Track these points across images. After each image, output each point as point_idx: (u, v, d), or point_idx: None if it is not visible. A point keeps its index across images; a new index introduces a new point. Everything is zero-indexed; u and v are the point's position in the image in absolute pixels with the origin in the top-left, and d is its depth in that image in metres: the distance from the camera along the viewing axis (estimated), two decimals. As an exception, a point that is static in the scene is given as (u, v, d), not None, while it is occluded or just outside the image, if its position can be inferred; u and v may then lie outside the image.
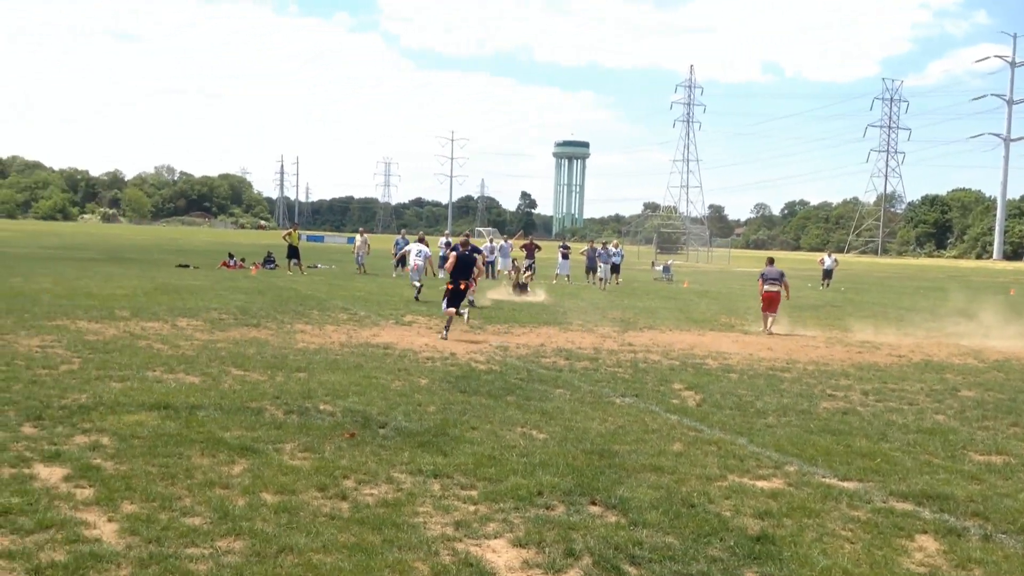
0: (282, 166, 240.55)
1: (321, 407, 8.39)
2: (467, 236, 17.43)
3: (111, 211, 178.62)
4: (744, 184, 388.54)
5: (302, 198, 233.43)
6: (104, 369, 9.72)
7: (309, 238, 31.23)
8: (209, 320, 14.93)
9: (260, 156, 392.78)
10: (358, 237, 34.73)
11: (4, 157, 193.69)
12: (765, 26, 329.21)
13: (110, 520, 4.99)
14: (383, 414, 8.24)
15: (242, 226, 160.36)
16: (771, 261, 18.81)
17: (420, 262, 22.80)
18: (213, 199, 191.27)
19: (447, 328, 14.48)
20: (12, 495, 5.26)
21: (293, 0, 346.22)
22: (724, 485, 6.44)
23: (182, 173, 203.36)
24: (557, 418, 8.46)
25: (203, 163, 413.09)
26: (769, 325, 17.48)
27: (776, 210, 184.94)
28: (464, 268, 14.98)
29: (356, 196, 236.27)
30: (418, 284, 21.58)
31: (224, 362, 10.70)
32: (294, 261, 30.18)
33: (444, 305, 14.83)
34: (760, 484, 6.54)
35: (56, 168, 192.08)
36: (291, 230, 31.71)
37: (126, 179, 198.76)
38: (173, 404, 8.05)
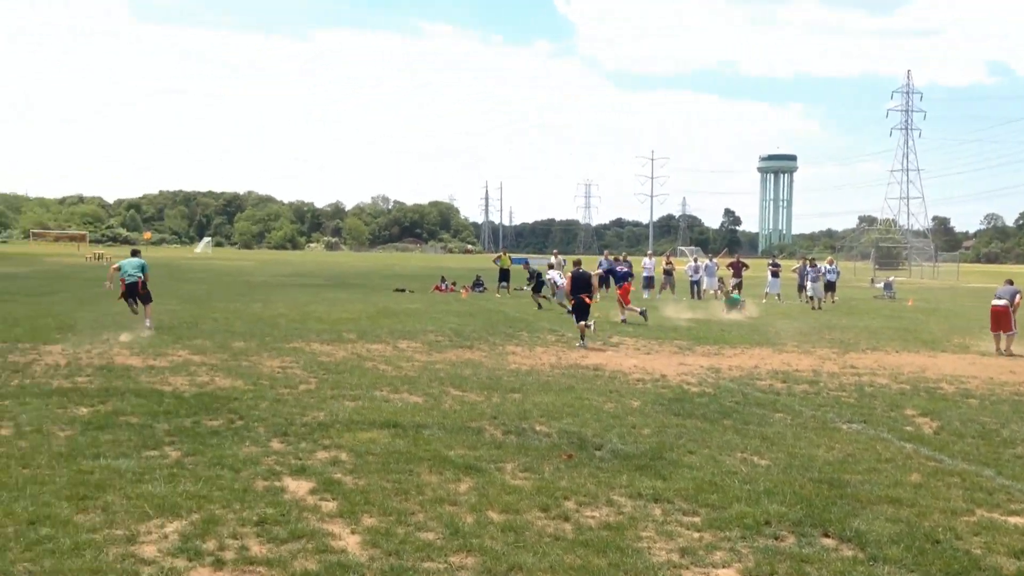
0: (487, 192, 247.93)
1: (537, 428, 8.55)
2: (579, 260, 19.23)
3: (334, 239, 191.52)
4: (971, 194, 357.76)
5: (506, 222, 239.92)
6: (337, 389, 10.41)
7: (514, 260, 32.30)
8: (427, 342, 15.63)
9: (466, 182, 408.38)
10: (552, 259, 35.29)
11: (241, 192, 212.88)
12: (989, 24, 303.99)
13: (353, 532, 5.33)
14: (598, 436, 8.28)
15: (450, 251, 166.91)
16: (1010, 282, 17.24)
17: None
18: (423, 225, 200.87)
19: (582, 338, 16.10)
20: (267, 506, 5.74)
21: (497, 30, 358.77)
22: (972, 520, 5.95)
23: (395, 202, 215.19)
24: (779, 444, 8.14)
25: (414, 192, 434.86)
26: (1006, 345, 16.00)
27: (1010, 220, 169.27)
28: (582, 285, 16.87)
29: (557, 219, 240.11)
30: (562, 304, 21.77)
31: (443, 383, 11.16)
32: (503, 284, 31.10)
33: (575, 319, 16.63)
34: (1013, 520, 5.98)
35: (286, 201, 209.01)
36: (500, 254, 32.86)
37: (346, 209, 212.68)
38: (401, 423, 8.49)
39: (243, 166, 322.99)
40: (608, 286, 29.52)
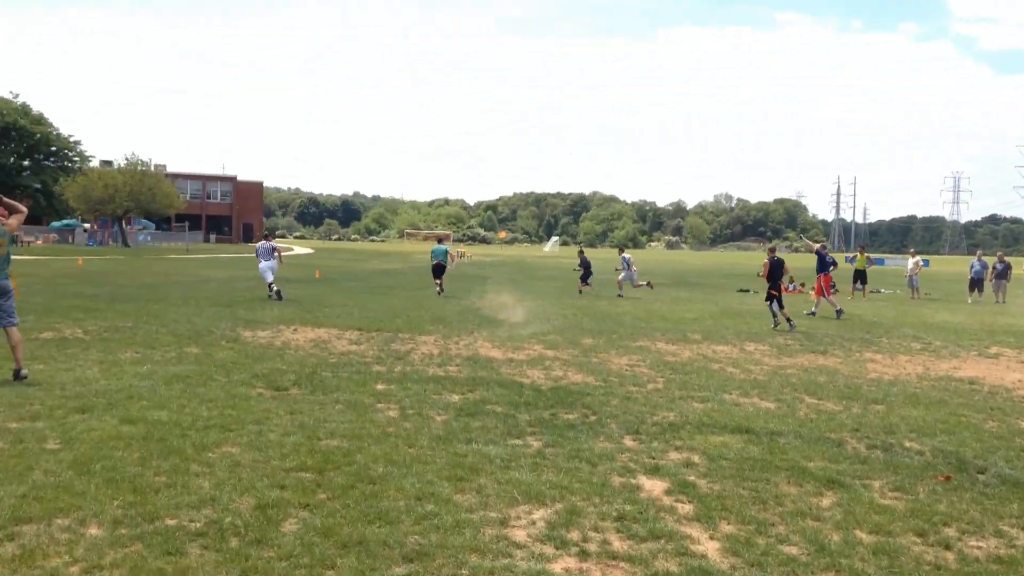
0: (838, 187, 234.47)
1: (906, 444, 7.86)
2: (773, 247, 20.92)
3: (674, 238, 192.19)
4: None
5: (859, 219, 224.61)
6: (685, 389, 10.38)
7: (871, 261, 29.83)
8: (775, 345, 15.07)
9: (816, 179, 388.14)
10: (910, 259, 32.27)
11: (587, 193, 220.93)
12: None
13: (711, 538, 5.26)
14: (979, 457, 7.42)
15: (796, 250, 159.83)
16: None
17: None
18: (767, 224, 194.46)
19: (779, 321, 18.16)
20: (624, 503, 5.86)
21: (856, 16, 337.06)
22: None
23: (739, 200, 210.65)
24: None
25: (758, 190, 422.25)
26: None
27: None
28: (774, 272, 18.75)
29: (919, 215, 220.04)
30: None
31: (796, 389, 10.67)
32: (857, 286, 29.23)
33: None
34: None
35: (628, 201, 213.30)
36: (857, 253, 31.13)
37: (688, 208, 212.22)
38: (753, 428, 8.25)
39: (588, 168, 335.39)
40: (982, 290, 26.63)
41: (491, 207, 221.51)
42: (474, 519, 5.42)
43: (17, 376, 9.46)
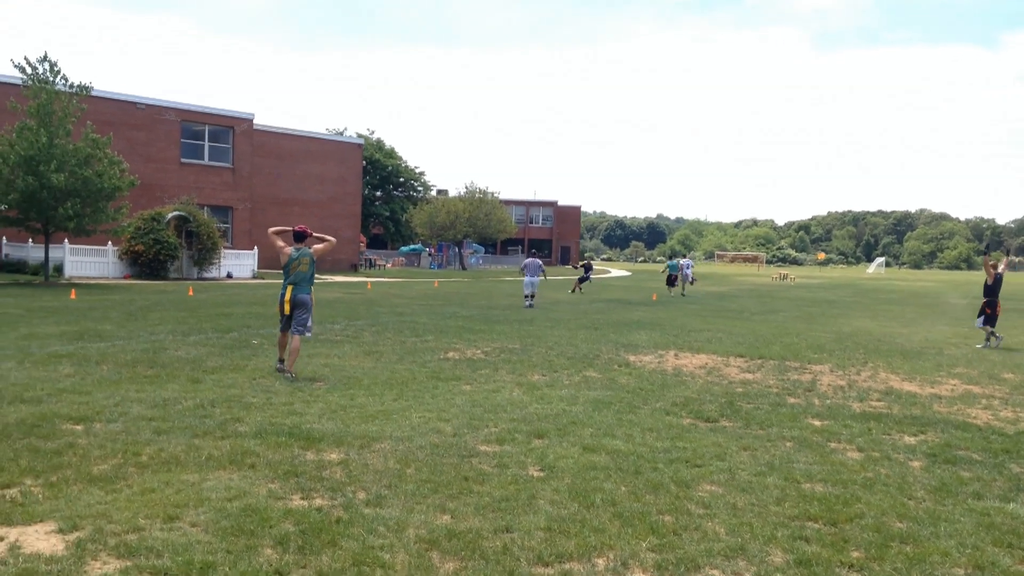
0: None
1: None
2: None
3: (1017, 259, 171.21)
4: None
5: None
6: None
7: None
8: None
9: None
10: None
11: (912, 211, 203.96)
12: None
13: None
14: None
15: None
16: None
17: None
18: None
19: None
20: None
21: None
22: None
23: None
24: None
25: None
26: None
27: None
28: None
29: None
30: None
31: None
32: None
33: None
34: None
35: (962, 219, 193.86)
36: None
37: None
38: None
39: (913, 183, 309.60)
40: None
41: (803, 227, 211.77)
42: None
43: (280, 370, 11.18)
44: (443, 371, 12.02)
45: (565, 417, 9.00)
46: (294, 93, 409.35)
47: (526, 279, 26.09)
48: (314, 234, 12.01)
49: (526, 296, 25.90)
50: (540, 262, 26.92)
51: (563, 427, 8.52)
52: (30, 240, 34.37)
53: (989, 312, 17.74)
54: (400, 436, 7.91)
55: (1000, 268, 18.34)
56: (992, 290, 17.86)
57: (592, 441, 7.91)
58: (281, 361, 11.32)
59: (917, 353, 16.09)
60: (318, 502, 5.95)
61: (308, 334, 11.55)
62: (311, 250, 11.53)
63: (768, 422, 9.08)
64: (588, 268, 37.86)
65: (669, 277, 36.11)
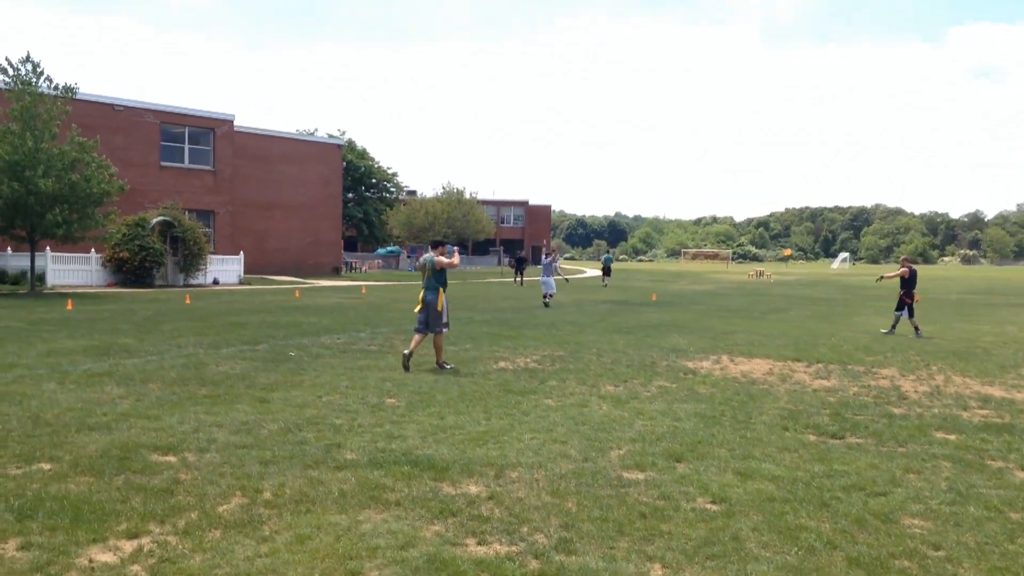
0: None
1: None
2: None
3: (971, 252, 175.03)
4: None
5: None
6: None
7: None
8: None
9: None
10: None
11: (868, 206, 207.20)
12: None
13: None
14: None
15: None
16: None
17: None
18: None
19: None
20: None
21: None
22: None
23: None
24: None
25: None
26: None
27: None
28: None
29: None
30: None
31: None
32: None
33: None
34: None
35: (916, 213, 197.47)
36: None
37: (986, 219, 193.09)
38: None
39: (869, 179, 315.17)
40: None
41: (762, 223, 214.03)
42: None
43: (440, 367, 12.59)
44: (510, 383, 11.35)
45: (684, 436, 8.38)
46: (252, 92, 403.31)
47: (542, 279, 28.02)
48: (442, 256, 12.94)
49: (545, 295, 27.35)
50: (554, 263, 28.86)
51: (692, 447, 7.89)
52: (9, 248, 32.74)
53: (909, 302, 19.45)
54: (528, 463, 7.23)
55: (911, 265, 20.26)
56: (909, 283, 19.72)
57: (739, 464, 7.30)
58: (406, 356, 12.34)
59: (967, 353, 15.78)
60: (498, 548, 5.27)
61: (444, 330, 12.91)
62: (436, 258, 12.74)
63: (899, 437, 8.53)
64: (522, 261, 42.87)
65: (605, 268, 44.23)
